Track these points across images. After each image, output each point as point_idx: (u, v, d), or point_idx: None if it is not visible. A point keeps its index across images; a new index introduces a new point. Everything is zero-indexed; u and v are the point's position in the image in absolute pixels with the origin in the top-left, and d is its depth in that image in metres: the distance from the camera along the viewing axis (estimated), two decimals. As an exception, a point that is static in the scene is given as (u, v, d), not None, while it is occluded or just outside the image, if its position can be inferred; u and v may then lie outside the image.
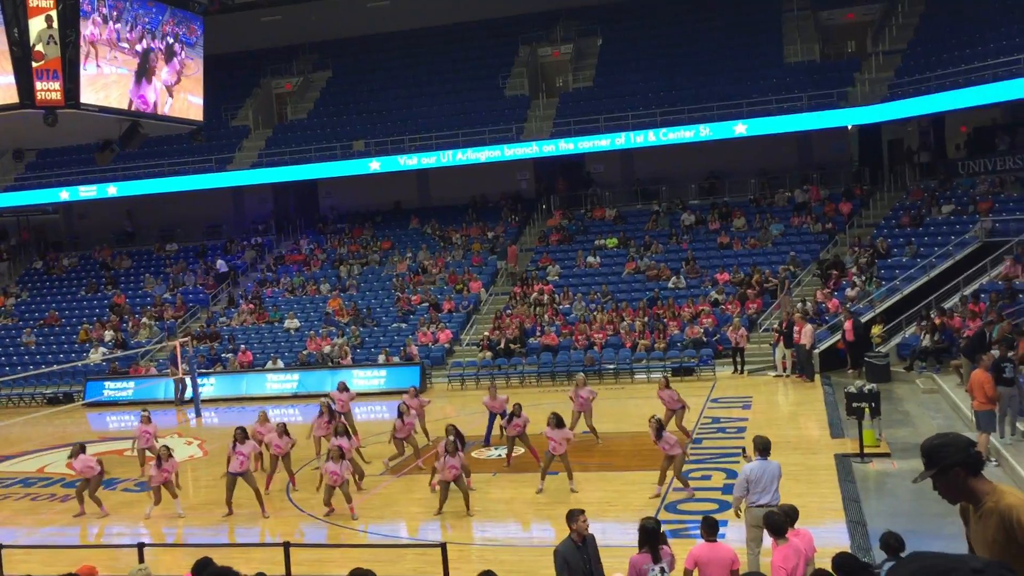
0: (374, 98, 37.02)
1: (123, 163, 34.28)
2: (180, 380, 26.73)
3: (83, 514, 15.53)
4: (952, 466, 3.92)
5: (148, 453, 17.66)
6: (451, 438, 14.32)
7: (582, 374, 20.09)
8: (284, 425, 16.27)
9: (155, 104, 13.38)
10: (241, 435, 15.08)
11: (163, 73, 13.42)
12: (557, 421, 14.83)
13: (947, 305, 22.94)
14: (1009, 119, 29.73)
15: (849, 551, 7.92)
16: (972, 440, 4.07)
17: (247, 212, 37.98)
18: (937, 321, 21.85)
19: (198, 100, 14.75)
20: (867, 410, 15.29)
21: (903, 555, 7.93)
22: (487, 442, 18.20)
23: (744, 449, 11.44)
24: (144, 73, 13.02)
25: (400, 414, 16.89)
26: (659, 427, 13.97)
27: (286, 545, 10.28)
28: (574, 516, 8.45)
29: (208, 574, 3.71)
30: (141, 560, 10.30)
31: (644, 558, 7.86)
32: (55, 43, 11.93)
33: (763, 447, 10.43)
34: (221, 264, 34.84)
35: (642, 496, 14.16)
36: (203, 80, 14.79)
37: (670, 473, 14.09)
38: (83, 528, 15.19)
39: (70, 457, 15.94)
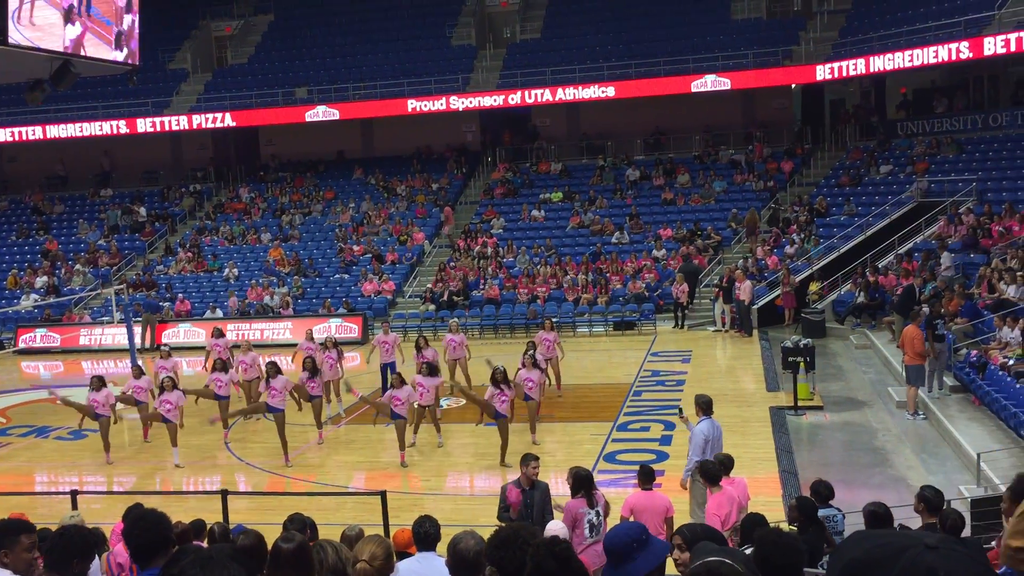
0: (317, 44, 36.24)
1: (56, 105, 33.20)
2: (150, 321, 26.42)
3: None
4: None
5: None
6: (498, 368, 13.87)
7: (548, 320, 19.05)
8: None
9: (87, 42, 12.90)
10: (273, 371, 14.69)
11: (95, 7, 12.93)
12: (534, 363, 14.74)
13: (882, 263, 23.45)
14: (947, 82, 30.22)
15: (808, 495, 8.07)
16: None
17: (185, 158, 37.11)
18: (871, 279, 22.32)
19: (133, 41, 14.26)
20: (802, 364, 15.64)
21: (832, 503, 8.16)
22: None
23: (681, 409, 11.50)
24: (75, 7, 12.54)
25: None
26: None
27: (224, 493, 10.20)
28: (526, 461, 8.66)
29: (136, 515, 3.65)
30: (75, 507, 10.15)
31: (579, 503, 7.97)
32: (-20, -25, 11.40)
33: (708, 406, 10.40)
34: (141, 211, 34.22)
35: (581, 447, 14.35)
36: (138, 20, 14.30)
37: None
38: (19, 476, 14.94)
39: (91, 391, 15.18)
